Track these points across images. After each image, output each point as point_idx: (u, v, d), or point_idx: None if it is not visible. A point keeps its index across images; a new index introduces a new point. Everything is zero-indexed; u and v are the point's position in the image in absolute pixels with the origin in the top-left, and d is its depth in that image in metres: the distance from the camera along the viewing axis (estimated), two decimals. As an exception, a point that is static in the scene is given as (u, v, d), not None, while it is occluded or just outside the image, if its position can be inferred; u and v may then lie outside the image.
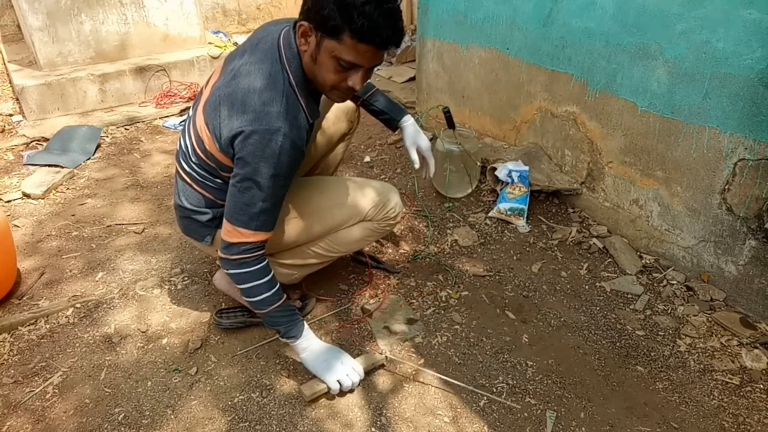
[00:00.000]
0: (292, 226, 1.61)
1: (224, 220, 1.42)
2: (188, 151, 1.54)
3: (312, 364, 1.51)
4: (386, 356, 1.60)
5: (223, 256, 1.43)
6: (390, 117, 1.86)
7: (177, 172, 1.62)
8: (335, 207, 1.66)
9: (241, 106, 1.34)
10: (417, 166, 1.86)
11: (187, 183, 1.57)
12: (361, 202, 1.67)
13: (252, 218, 1.38)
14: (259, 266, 1.44)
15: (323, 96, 1.49)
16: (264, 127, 1.31)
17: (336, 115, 1.86)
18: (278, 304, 1.46)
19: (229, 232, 1.41)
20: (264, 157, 1.33)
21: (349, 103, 1.85)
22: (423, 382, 1.58)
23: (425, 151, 1.85)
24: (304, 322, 1.53)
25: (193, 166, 1.53)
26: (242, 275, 1.43)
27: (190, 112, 1.58)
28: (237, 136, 1.34)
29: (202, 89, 1.56)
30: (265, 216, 1.39)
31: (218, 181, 1.51)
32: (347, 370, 1.50)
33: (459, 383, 1.56)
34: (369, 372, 1.58)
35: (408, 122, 1.86)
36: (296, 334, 1.49)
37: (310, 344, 1.52)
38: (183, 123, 1.65)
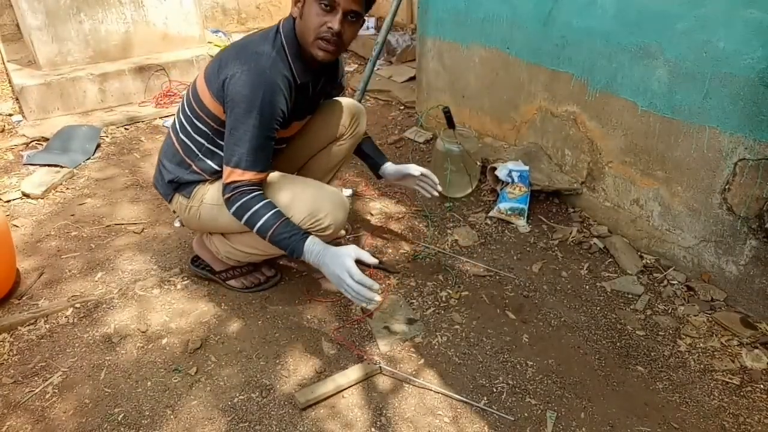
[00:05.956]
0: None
1: (223, 166, 1.58)
2: (180, 108, 1.72)
3: (329, 278, 1.53)
4: (380, 366, 1.60)
5: (224, 197, 1.58)
6: (374, 161, 2.05)
7: (167, 133, 1.79)
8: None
9: (235, 57, 1.54)
10: (425, 189, 2.03)
11: (170, 136, 1.74)
12: (297, 206, 1.60)
13: (241, 158, 1.53)
14: (251, 196, 1.54)
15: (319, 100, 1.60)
16: (251, 67, 1.50)
17: (324, 119, 1.89)
18: (276, 225, 1.52)
19: (225, 175, 1.56)
20: (248, 94, 1.48)
21: (341, 108, 1.89)
22: (423, 382, 1.58)
23: (418, 170, 1.98)
24: (308, 238, 1.54)
25: (181, 115, 1.70)
26: (238, 209, 1.55)
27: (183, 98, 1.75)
28: (228, 78, 1.51)
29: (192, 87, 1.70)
30: (252, 156, 1.53)
31: (198, 125, 1.64)
32: (354, 290, 1.47)
33: (453, 394, 1.56)
34: (365, 378, 1.58)
35: (388, 163, 2.05)
36: (300, 252, 1.54)
37: (320, 260, 1.51)
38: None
